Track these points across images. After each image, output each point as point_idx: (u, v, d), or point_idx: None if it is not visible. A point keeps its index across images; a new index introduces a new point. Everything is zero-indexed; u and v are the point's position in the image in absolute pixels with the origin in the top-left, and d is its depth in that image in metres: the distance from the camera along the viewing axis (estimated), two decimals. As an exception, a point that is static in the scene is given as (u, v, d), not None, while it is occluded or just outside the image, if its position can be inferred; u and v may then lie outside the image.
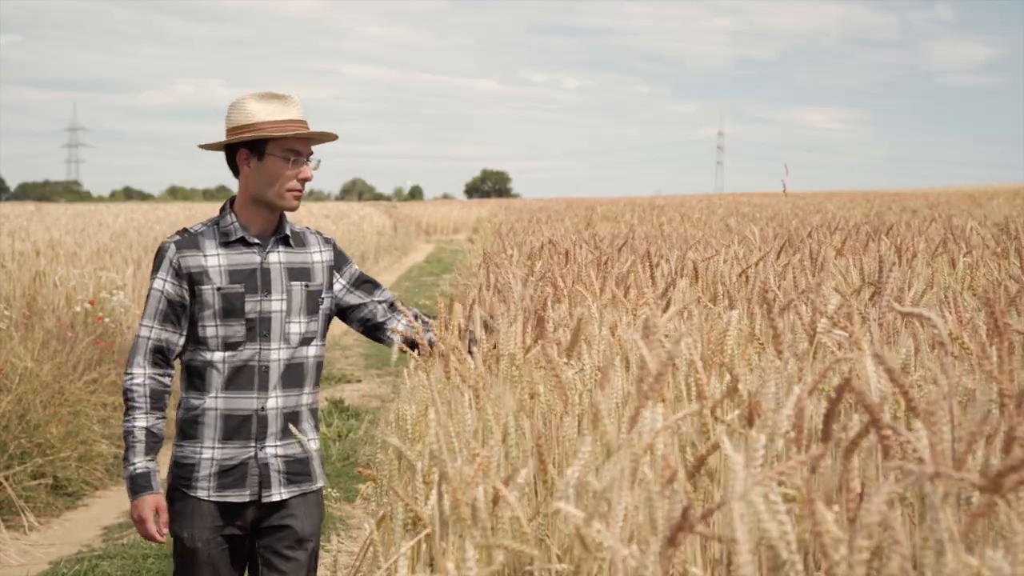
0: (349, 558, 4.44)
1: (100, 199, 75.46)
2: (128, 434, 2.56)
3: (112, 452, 6.01)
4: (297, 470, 2.66)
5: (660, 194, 48.29)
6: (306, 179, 2.62)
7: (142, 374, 2.57)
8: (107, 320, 7.68)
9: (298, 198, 2.63)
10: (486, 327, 2.58)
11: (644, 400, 1.36)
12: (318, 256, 2.70)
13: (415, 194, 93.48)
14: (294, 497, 2.65)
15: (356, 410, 7.38)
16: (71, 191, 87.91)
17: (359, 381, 8.80)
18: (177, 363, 2.66)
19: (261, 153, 2.58)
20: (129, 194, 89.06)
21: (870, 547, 1.06)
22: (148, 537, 2.59)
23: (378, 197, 78.55)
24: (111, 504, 5.56)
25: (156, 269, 2.60)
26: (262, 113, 2.57)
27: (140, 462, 2.55)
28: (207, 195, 79.62)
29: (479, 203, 45.50)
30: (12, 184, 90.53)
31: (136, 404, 2.56)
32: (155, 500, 2.57)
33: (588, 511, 1.32)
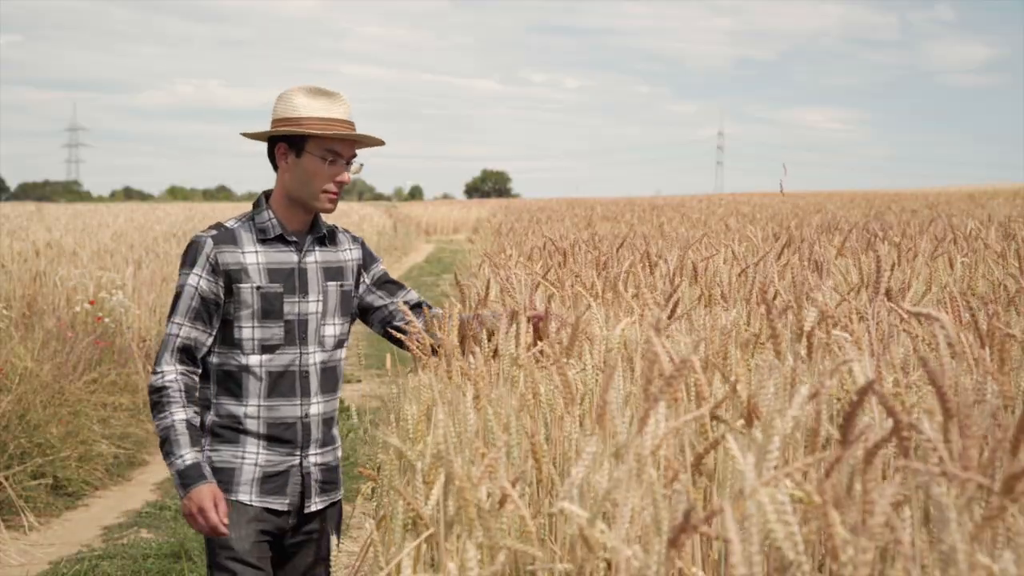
0: (349, 558, 4.44)
1: (100, 199, 75.54)
2: (168, 429, 2.40)
3: (112, 452, 6.01)
4: (329, 479, 2.58)
5: (660, 194, 48.30)
6: (343, 183, 2.49)
7: (172, 371, 2.43)
8: (107, 320, 7.68)
9: (333, 201, 2.51)
10: (490, 333, 2.52)
11: (654, 402, 1.35)
12: (348, 255, 2.61)
13: (415, 194, 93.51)
14: (327, 507, 2.58)
15: (356, 410, 7.37)
16: (71, 191, 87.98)
17: (359, 381, 8.80)
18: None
19: (300, 150, 2.46)
20: (129, 194, 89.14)
21: (873, 548, 1.06)
22: (211, 529, 2.39)
23: (378, 197, 78.61)
24: (111, 504, 5.56)
25: (190, 264, 2.45)
26: (307, 108, 2.46)
27: (187, 453, 2.39)
28: (207, 195, 79.64)
29: (479, 203, 45.52)
30: (12, 184, 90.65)
31: (171, 398, 2.41)
32: (211, 489, 2.39)
33: (592, 512, 1.32)
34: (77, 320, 7.68)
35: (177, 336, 2.44)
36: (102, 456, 5.89)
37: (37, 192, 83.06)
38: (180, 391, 2.42)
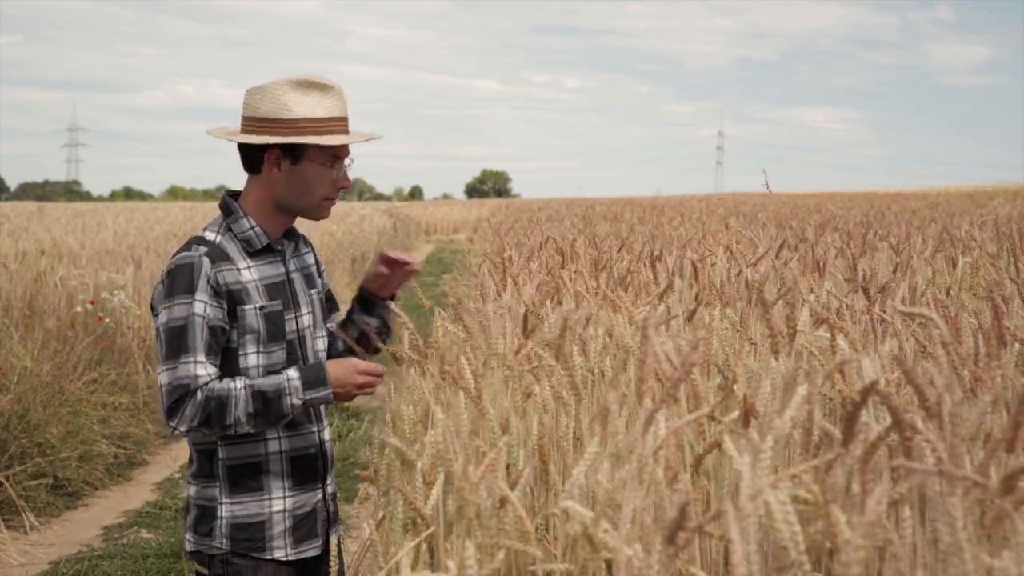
0: (348, 558, 4.44)
1: (100, 199, 75.56)
2: (253, 397, 2.07)
3: (112, 452, 6.01)
4: (336, 507, 2.36)
5: (660, 194, 48.26)
6: (344, 187, 2.21)
7: (202, 382, 2.07)
8: (107, 320, 7.68)
9: (330, 208, 2.24)
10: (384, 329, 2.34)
11: (659, 404, 1.36)
12: (311, 259, 2.36)
13: (415, 194, 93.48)
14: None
15: (356, 410, 7.37)
16: (71, 191, 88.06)
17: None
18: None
19: (298, 156, 2.15)
20: (129, 194, 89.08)
21: (867, 546, 1.06)
22: (376, 378, 2.15)
23: (378, 197, 78.54)
24: (111, 504, 5.56)
25: (186, 289, 2.08)
26: (301, 107, 2.13)
27: (282, 378, 2.10)
28: (207, 195, 79.67)
29: (479, 203, 45.52)
30: (12, 184, 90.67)
31: (221, 389, 2.06)
32: (339, 363, 2.15)
33: (597, 512, 1.32)
34: (78, 320, 7.68)
35: (198, 377, 2.05)
36: (102, 456, 5.89)
37: (37, 192, 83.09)
38: (219, 379, 2.09)
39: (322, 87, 2.16)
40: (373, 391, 2.17)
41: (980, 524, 1.17)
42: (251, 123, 2.16)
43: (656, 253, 4.53)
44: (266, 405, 2.08)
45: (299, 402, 2.10)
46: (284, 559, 2.19)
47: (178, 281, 2.09)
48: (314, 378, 2.11)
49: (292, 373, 2.11)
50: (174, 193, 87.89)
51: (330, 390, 2.12)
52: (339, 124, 2.17)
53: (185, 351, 2.06)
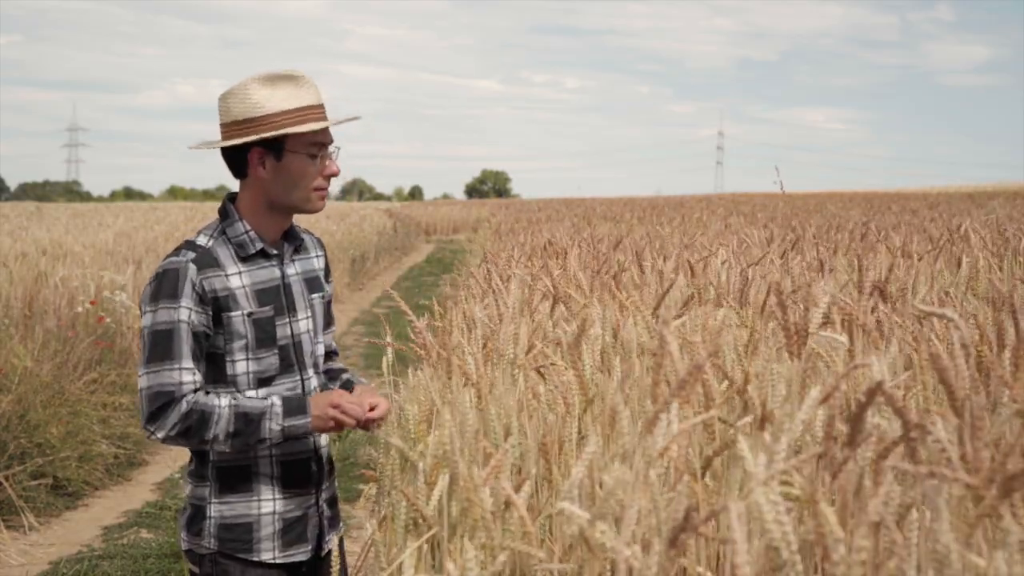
0: (349, 558, 4.43)
1: (100, 199, 75.53)
2: (235, 417, 2.07)
3: (112, 452, 6.01)
4: (335, 512, 2.35)
5: (660, 194, 48.26)
6: (333, 175, 2.19)
7: (185, 394, 2.07)
8: (108, 320, 7.68)
9: (324, 198, 2.21)
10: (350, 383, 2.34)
11: (666, 404, 1.35)
12: (318, 263, 2.34)
13: (415, 194, 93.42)
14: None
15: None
16: (71, 191, 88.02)
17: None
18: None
19: (279, 151, 2.13)
20: (129, 194, 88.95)
21: (868, 547, 1.06)
22: (360, 419, 2.13)
23: (378, 197, 78.49)
24: (111, 504, 5.56)
25: (170, 295, 2.08)
26: (274, 101, 2.11)
27: (267, 403, 2.10)
28: (207, 195, 79.65)
29: (479, 203, 45.51)
30: (12, 184, 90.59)
31: (206, 404, 2.07)
32: (324, 394, 2.15)
33: (594, 512, 1.32)
34: (78, 320, 7.68)
35: (182, 384, 2.07)
36: (102, 456, 5.88)
37: (37, 192, 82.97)
38: (205, 392, 2.11)
39: (292, 78, 2.15)
40: (355, 422, 2.13)
41: (965, 522, 1.17)
42: (228, 128, 2.15)
43: (657, 254, 4.53)
44: (247, 426, 2.09)
45: (278, 428, 2.10)
46: (271, 561, 2.19)
47: (164, 286, 2.10)
48: (295, 407, 2.12)
49: (276, 400, 2.12)
50: (174, 193, 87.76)
51: (309, 419, 2.12)
52: (315, 111, 2.16)
53: (170, 357, 2.07)
